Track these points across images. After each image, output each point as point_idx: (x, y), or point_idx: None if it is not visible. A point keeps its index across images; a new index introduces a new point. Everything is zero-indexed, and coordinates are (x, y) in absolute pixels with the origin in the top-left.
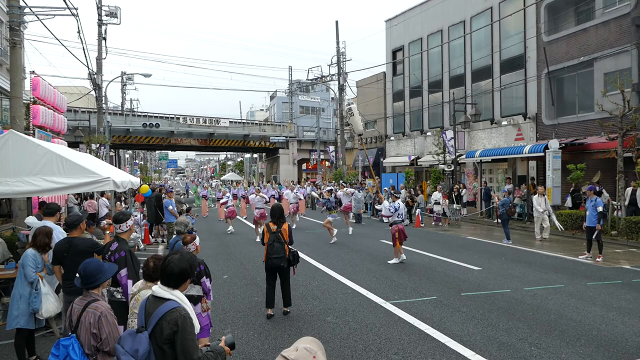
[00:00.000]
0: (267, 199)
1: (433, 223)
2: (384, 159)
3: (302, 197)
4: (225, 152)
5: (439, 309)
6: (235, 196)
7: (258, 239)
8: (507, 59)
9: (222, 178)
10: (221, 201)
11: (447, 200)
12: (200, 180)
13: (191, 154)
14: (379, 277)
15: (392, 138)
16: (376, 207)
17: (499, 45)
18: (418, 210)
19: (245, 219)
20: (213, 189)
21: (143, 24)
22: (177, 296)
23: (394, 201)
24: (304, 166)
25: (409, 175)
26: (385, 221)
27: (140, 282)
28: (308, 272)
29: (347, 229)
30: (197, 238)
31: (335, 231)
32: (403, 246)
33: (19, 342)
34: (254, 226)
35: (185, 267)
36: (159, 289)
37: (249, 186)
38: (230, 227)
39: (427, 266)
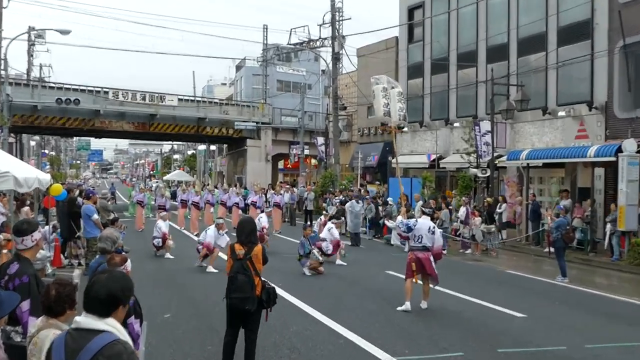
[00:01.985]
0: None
1: (460, 250)
2: (392, 158)
3: (279, 206)
4: (170, 142)
5: None
6: (184, 203)
7: (210, 268)
8: (568, 26)
9: (165, 178)
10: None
11: (478, 219)
12: (134, 180)
13: (123, 143)
14: (384, 323)
15: (405, 129)
16: (387, 223)
17: (557, 5)
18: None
19: (195, 235)
20: (152, 193)
21: None
22: (114, 327)
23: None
24: (280, 164)
25: (427, 181)
26: (393, 243)
27: (40, 320)
28: (285, 313)
29: (336, 260)
30: (129, 261)
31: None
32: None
33: None
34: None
35: (115, 290)
36: (85, 319)
37: (203, 189)
38: (210, 267)
39: (451, 309)
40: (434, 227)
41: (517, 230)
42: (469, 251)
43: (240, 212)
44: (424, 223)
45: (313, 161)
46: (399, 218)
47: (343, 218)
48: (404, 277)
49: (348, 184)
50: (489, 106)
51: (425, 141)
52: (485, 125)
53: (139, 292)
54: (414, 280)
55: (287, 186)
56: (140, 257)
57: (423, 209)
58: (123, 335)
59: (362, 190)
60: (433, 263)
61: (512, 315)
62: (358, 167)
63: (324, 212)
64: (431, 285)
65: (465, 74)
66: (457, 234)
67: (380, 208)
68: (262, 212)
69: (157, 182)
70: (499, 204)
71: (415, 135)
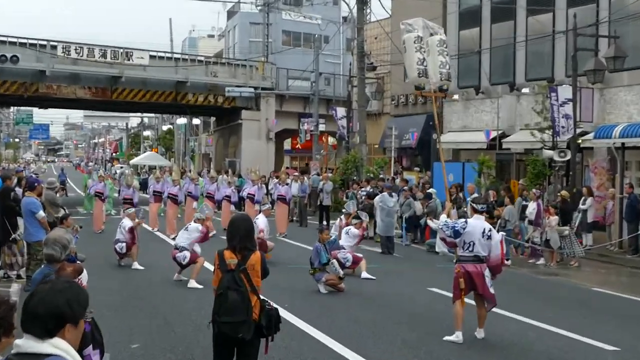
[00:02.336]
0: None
1: (530, 260)
2: (437, 135)
3: (285, 199)
4: (140, 114)
5: None
6: (157, 196)
7: (192, 283)
8: None
9: (133, 162)
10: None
11: (554, 218)
12: (91, 164)
13: (76, 116)
14: (426, 358)
15: (455, 97)
16: (430, 224)
17: None
18: (501, 235)
19: (173, 238)
20: (116, 182)
21: None
22: (65, 349)
23: (469, 217)
24: (287, 144)
25: (485, 166)
26: (439, 251)
27: None
28: (292, 343)
29: (361, 273)
30: (85, 272)
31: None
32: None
33: None
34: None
35: (59, 304)
36: (26, 342)
37: (182, 177)
38: (192, 282)
39: (516, 340)
40: (490, 230)
41: (608, 233)
42: (541, 261)
43: (232, 207)
44: (476, 225)
45: (331, 140)
46: (443, 217)
47: (365, 218)
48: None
49: (378, 171)
50: (569, 66)
51: (482, 113)
52: (565, 92)
53: (99, 315)
54: (463, 301)
55: (296, 174)
56: (100, 268)
57: (474, 205)
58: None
59: (398, 180)
60: (488, 279)
61: (600, 348)
62: (391, 147)
63: (345, 209)
64: (488, 309)
65: (537, 22)
66: (527, 239)
67: (420, 203)
68: (261, 209)
69: (121, 167)
70: (583, 198)
71: (469, 105)
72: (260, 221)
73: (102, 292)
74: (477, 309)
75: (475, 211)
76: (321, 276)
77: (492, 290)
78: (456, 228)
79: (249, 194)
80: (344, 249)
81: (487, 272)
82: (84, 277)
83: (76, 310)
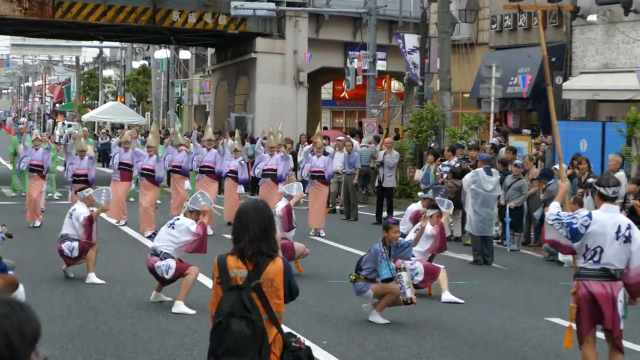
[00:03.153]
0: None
1: None
2: (563, 80)
3: (325, 177)
4: (97, 43)
5: None
6: (125, 171)
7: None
8: None
9: (86, 117)
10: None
11: None
12: (23, 121)
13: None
14: None
15: (591, 18)
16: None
17: None
18: None
19: (149, 236)
20: (60, 148)
21: None
22: None
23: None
24: (325, 91)
25: (637, 127)
26: (563, 261)
27: None
28: None
29: (442, 292)
30: (21, 287)
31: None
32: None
33: None
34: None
35: (13, 337)
36: None
37: (164, 142)
38: (179, 305)
39: None
40: (628, 229)
41: None
42: None
43: (240, 189)
44: (606, 220)
45: (396, 85)
46: (555, 207)
47: (448, 208)
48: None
49: (470, 134)
50: None
51: (634, 45)
52: None
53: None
54: (593, 340)
55: (340, 138)
56: (37, 281)
57: (600, 188)
58: None
59: (503, 149)
60: (621, 306)
61: None
62: (490, 98)
63: (422, 193)
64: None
65: None
66: None
67: (534, 185)
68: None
69: (69, 125)
70: None
71: (610, 32)
72: (280, 207)
73: (44, 316)
74: (609, 352)
75: (603, 198)
76: (366, 288)
77: (622, 325)
78: (574, 225)
79: (267, 168)
80: (413, 256)
81: (621, 295)
82: (19, 293)
83: (30, 344)
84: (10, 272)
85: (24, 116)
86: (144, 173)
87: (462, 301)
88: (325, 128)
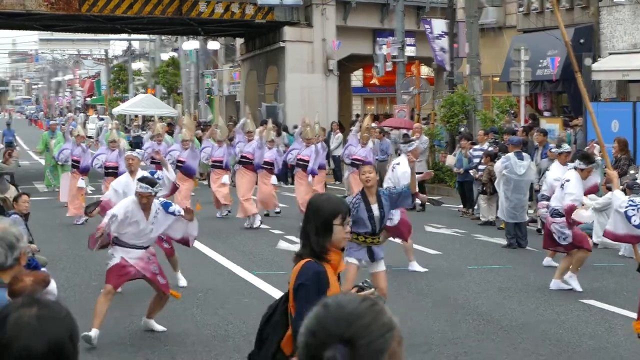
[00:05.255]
0: None
1: None
2: (592, 61)
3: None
4: (125, 36)
5: None
6: (158, 164)
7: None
8: None
9: (117, 110)
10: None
11: None
12: (56, 117)
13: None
14: None
15: None
16: (585, 200)
17: None
18: None
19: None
20: (94, 142)
21: None
22: None
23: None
24: (355, 79)
25: None
26: (599, 241)
27: None
28: None
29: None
30: (53, 283)
31: None
32: None
33: None
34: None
35: (61, 337)
36: None
37: (202, 134)
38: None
39: None
40: None
41: None
42: None
43: (274, 180)
44: None
45: (425, 70)
46: (620, 194)
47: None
48: (635, 317)
49: (501, 117)
50: None
51: None
52: None
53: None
54: None
55: (374, 126)
56: (72, 274)
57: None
58: None
59: (535, 132)
60: None
61: None
62: (520, 81)
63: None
64: None
65: None
66: None
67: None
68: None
69: (101, 118)
70: None
71: (638, 12)
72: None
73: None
74: None
75: None
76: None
77: None
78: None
79: (299, 158)
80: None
81: None
82: (51, 292)
83: (76, 345)
84: (43, 269)
85: (57, 112)
86: (179, 164)
87: (425, 269)
88: (357, 115)
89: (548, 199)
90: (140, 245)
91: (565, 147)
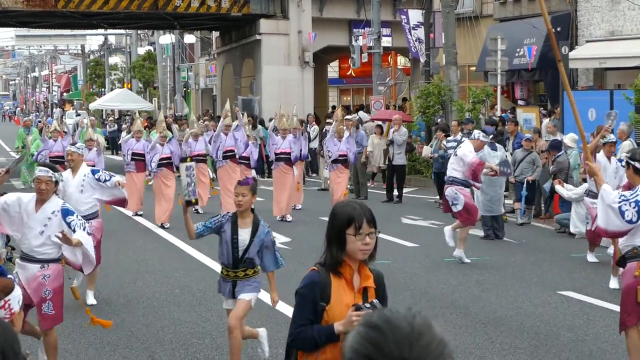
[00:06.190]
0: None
1: None
2: (569, 49)
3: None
4: (101, 31)
5: None
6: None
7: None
8: None
9: (93, 105)
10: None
11: None
12: (34, 114)
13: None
14: None
15: None
16: (559, 190)
17: None
18: None
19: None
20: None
21: None
22: None
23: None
24: (331, 70)
25: None
26: (574, 232)
27: None
28: None
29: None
30: (18, 290)
31: None
32: None
33: None
34: None
35: None
36: None
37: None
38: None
39: None
40: None
41: None
42: None
43: (253, 174)
44: None
45: (402, 61)
46: (609, 188)
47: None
48: (618, 310)
49: (477, 108)
50: None
51: (639, 12)
52: None
53: None
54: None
55: (349, 117)
56: None
57: (636, 163)
58: None
59: (508, 122)
60: None
61: None
62: (497, 71)
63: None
64: None
65: None
66: None
67: (539, 158)
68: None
69: (77, 114)
70: None
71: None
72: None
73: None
74: None
75: (638, 173)
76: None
77: None
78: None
79: (278, 152)
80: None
81: None
82: (13, 299)
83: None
84: (9, 276)
85: (35, 109)
86: (162, 162)
87: (468, 260)
88: (333, 107)
89: (595, 196)
90: (33, 257)
91: (611, 137)
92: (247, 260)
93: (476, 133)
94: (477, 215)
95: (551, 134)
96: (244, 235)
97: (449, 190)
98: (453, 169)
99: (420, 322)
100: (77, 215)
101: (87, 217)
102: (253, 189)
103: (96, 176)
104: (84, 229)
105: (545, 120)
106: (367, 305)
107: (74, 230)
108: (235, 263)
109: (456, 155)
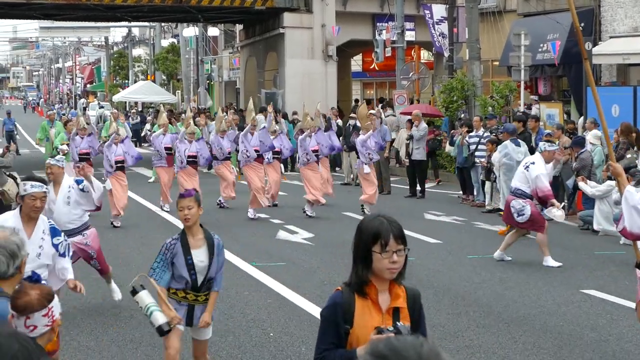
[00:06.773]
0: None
1: None
2: (592, 45)
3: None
4: (125, 23)
5: None
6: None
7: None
8: None
9: (117, 97)
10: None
11: None
12: (56, 105)
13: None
14: None
15: None
16: (582, 187)
17: None
18: None
19: None
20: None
21: None
22: None
23: None
24: (354, 63)
25: None
26: (598, 229)
27: None
28: None
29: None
30: (57, 299)
31: None
32: None
33: None
34: None
35: None
36: None
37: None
38: None
39: None
40: None
41: None
42: None
43: (278, 168)
44: None
45: (425, 55)
46: (633, 190)
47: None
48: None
49: (500, 103)
50: None
51: None
52: None
53: None
54: None
55: (372, 112)
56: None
57: None
58: None
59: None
60: None
61: None
62: (520, 66)
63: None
64: None
65: None
66: None
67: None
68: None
69: (101, 106)
70: None
71: None
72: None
73: (76, 310)
74: None
75: None
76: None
77: None
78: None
79: (309, 150)
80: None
81: None
82: (55, 307)
83: None
84: (44, 282)
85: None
86: (188, 158)
87: (559, 264)
88: (356, 100)
89: None
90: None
91: None
92: (209, 282)
93: (542, 145)
94: (545, 222)
95: (588, 129)
96: (200, 256)
97: (516, 202)
98: (520, 182)
99: (427, 351)
100: (64, 235)
101: (81, 229)
102: (198, 200)
103: (80, 186)
104: (70, 256)
105: (581, 118)
106: (390, 328)
107: (62, 255)
108: (195, 288)
109: (527, 169)
